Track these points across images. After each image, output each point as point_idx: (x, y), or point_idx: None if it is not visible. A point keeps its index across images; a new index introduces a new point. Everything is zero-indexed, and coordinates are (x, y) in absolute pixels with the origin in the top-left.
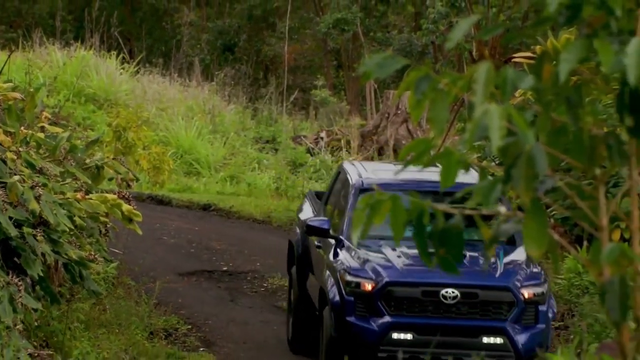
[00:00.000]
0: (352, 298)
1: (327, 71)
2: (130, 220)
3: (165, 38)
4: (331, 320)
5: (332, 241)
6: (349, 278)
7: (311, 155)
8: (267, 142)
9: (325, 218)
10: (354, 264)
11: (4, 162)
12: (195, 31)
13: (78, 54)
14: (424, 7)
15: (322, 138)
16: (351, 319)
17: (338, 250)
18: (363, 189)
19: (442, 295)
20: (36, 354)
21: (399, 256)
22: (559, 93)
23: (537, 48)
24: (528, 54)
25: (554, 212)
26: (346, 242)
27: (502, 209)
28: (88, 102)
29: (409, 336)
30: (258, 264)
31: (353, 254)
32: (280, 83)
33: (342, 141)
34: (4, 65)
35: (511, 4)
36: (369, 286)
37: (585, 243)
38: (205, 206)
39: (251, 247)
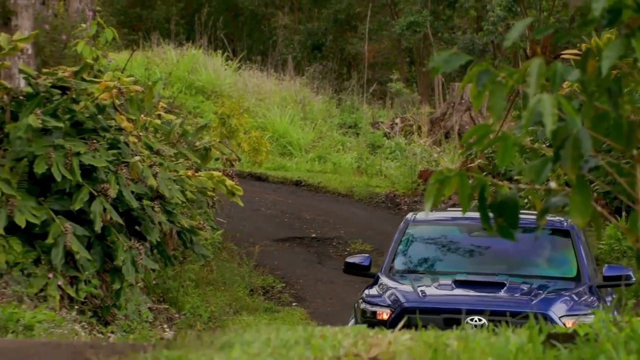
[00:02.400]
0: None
1: (401, 67)
2: (233, 194)
3: (263, 39)
4: None
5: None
6: (364, 307)
7: (387, 139)
8: (350, 127)
9: (367, 255)
10: (373, 292)
11: (127, 144)
12: (289, 33)
13: (189, 52)
14: (485, 11)
15: (396, 124)
16: None
17: (370, 286)
18: (413, 222)
19: (467, 323)
20: (154, 308)
21: (428, 285)
22: (601, 85)
23: (583, 46)
24: (575, 51)
25: (596, 187)
26: (382, 277)
27: (552, 184)
28: (198, 94)
29: None
30: (342, 231)
31: (380, 284)
32: (361, 77)
33: (414, 126)
34: (127, 63)
35: (560, 8)
36: (385, 315)
37: (624, 214)
38: (296, 182)
39: (336, 217)
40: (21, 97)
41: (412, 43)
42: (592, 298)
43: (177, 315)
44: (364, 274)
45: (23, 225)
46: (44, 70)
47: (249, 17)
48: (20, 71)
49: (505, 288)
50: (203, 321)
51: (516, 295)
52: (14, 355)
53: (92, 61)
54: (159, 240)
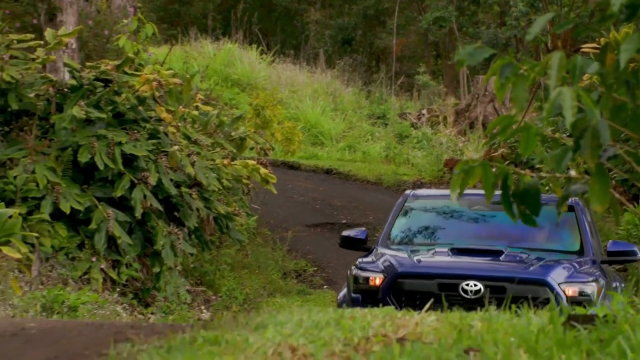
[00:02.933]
0: (359, 296)
1: (428, 60)
2: (267, 182)
3: (296, 34)
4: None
5: None
6: (355, 273)
7: (414, 129)
8: (379, 118)
9: (363, 229)
10: (367, 260)
11: (166, 134)
12: (320, 28)
13: (225, 47)
14: (508, 7)
15: (423, 114)
16: None
17: (365, 256)
18: (412, 196)
19: (462, 288)
20: (192, 290)
21: (424, 253)
22: (619, 77)
23: (602, 40)
24: (594, 45)
25: (614, 175)
26: (378, 248)
27: (572, 173)
28: (233, 86)
29: None
30: (371, 217)
31: (375, 253)
32: (389, 70)
33: (440, 117)
34: (166, 57)
35: (580, 3)
36: (377, 280)
37: None
38: (327, 170)
39: (365, 204)
40: (66, 90)
41: (438, 37)
42: (594, 269)
43: (213, 297)
44: (361, 247)
45: (68, 211)
46: (88, 63)
47: (282, 12)
48: (65, 65)
49: (503, 255)
50: (238, 303)
51: (514, 262)
52: (59, 334)
53: (133, 55)
54: (196, 225)
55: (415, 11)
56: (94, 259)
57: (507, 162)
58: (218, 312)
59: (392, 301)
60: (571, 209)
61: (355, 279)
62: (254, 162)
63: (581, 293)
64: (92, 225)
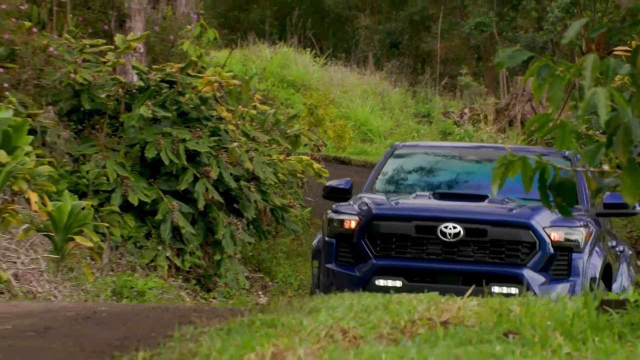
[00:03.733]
0: (333, 240)
1: (470, 62)
2: (320, 176)
3: (347, 38)
4: (312, 272)
5: None
6: (331, 216)
7: (457, 127)
8: (424, 116)
9: (348, 179)
10: (344, 204)
11: (227, 132)
12: (370, 32)
13: (281, 50)
14: (545, 13)
15: (465, 113)
16: (331, 265)
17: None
18: (400, 147)
19: (441, 231)
20: (250, 276)
21: (404, 197)
22: None
23: (633, 43)
24: (625, 48)
25: None
26: (359, 195)
27: (605, 167)
28: (289, 87)
29: (397, 283)
30: None
31: (355, 198)
32: (433, 71)
33: (481, 115)
34: (227, 60)
35: (612, 9)
36: (352, 223)
37: None
38: None
39: None
40: (134, 90)
41: (480, 41)
42: (585, 216)
43: (270, 283)
44: (345, 198)
45: (136, 203)
46: (154, 66)
47: (334, 18)
48: (134, 67)
49: (487, 200)
50: (293, 288)
51: (497, 206)
52: (128, 317)
53: (196, 58)
54: (254, 216)
55: (458, 17)
56: (159, 248)
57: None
58: (274, 297)
59: (367, 244)
60: (569, 163)
61: (330, 222)
62: (308, 158)
63: (567, 238)
64: (158, 216)
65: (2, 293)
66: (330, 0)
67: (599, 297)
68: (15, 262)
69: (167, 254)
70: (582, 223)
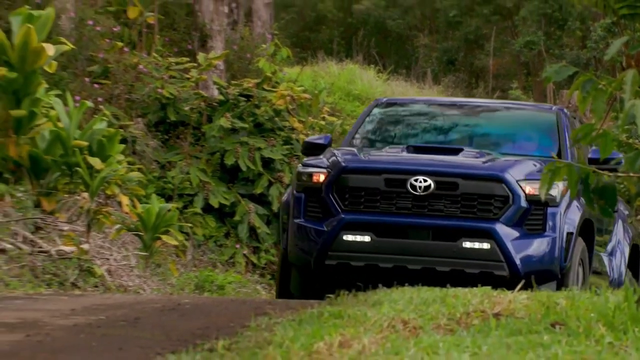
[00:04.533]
0: (302, 195)
1: (520, 77)
2: None
3: (407, 55)
4: (279, 227)
5: None
6: (300, 169)
7: None
8: None
9: (328, 135)
10: (314, 158)
11: (298, 141)
12: (428, 50)
13: (348, 67)
14: (589, 32)
15: None
16: (299, 220)
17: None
18: (382, 102)
19: (411, 184)
20: None
21: (375, 150)
22: None
23: None
24: None
25: None
26: (332, 149)
27: None
28: (354, 100)
29: (366, 238)
30: None
31: (327, 152)
32: (486, 86)
33: None
34: (298, 75)
35: None
36: (321, 177)
37: None
38: None
39: None
40: (215, 104)
41: (529, 58)
42: None
43: None
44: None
45: (216, 205)
46: (233, 82)
47: (396, 38)
48: (214, 83)
49: (461, 153)
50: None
51: (470, 159)
52: (209, 309)
53: (270, 74)
54: None
55: (509, 36)
56: (237, 246)
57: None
58: (341, 290)
59: (335, 199)
60: (553, 116)
61: (299, 176)
62: None
63: None
64: (237, 218)
65: (97, 287)
66: (392, 21)
67: (639, 292)
68: (108, 259)
69: (245, 252)
70: None
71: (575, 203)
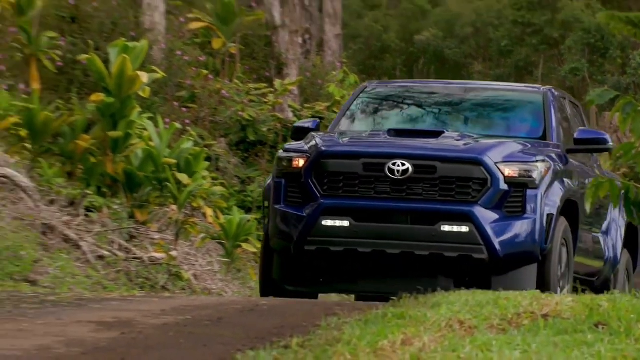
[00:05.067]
0: (282, 180)
1: None
2: None
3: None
4: (263, 213)
5: None
6: (280, 155)
7: None
8: None
9: (316, 119)
10: (295, 143)
11: None
12: (482, 76)
13: None
14: (628, 59)
15: None
16: (279, 206)
17: None
18: (370, 86)
19: (389, 168)
20: None
21: (355, 135)
22: None
23: None
24: None
25: None
26: (313, 134)
27: None
28: None
29: (345, 223)
30: None
31: (307, 137)
32: None
33: None
34: None
35: None
36: (300, 162)
37: None
38: None
39: None
40: (289, 125)
41: (574, 83)
42: (548, 151)
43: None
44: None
45: None
46: (306, 105)
47: (453, 65)
48: (289, 106)
49: (441, 136)
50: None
51: (448, 142)
52: (284, 310)
53: (339, 98)
54: None
55: (556, 63)
56: None
57: (629, 179)
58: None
59: (314, 184)
60: (540, 98)
61: (279, 161)
62: None
63: (522, 174)
64: None
65: (184, 289)
66: (450, 50)
67: None
68: (194, 265)
69: None
70: (539, 158)
71: (556, 184)
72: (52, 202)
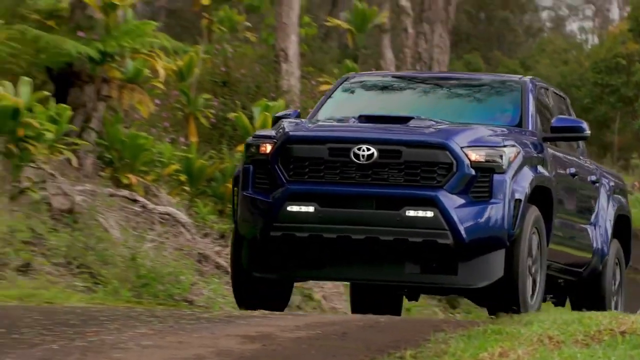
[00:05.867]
0: (250, 166)
1: (639, 149)
2: None
3: None
4: (233, 201)
5: None
6: (249, 141)
7: (631, 194)
8: None
9: (296, 110)
10: (265, 130)
11: None
12: None
13: None
14: None
15: (635, 185)
16: (247, 192)
17: None
18: (352, 77)
19: (354, 153)
20: None
21: (324, 121)
22: None
23: None
24: None
25: None
26: (283, 120)
27: None
28: None
29: (310, 209)
30: None
31: (277, 124)
32: (612, 156)
33: None
34: None
35: None
36: (268, 147)
37: None
38: None
39: None
40: None
41: None
42: (519, 136)
43: None
44: None
45: None
46: None
47: None
48: None
49: (410, 122)
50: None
51: (415, 127)
52: (399, 326)
53: None
54: None
55: (630, 118)
56: None
57: None
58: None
59: (280, 169)
60: (519, 87)
61: (247, 147)
62: None
63: (488, 159)
64: None
65: (315, 308)
66: None
67: None
68: (323, 287)
69: None
70: (507, 143)
71: (526, 170)
72: (206, 235)
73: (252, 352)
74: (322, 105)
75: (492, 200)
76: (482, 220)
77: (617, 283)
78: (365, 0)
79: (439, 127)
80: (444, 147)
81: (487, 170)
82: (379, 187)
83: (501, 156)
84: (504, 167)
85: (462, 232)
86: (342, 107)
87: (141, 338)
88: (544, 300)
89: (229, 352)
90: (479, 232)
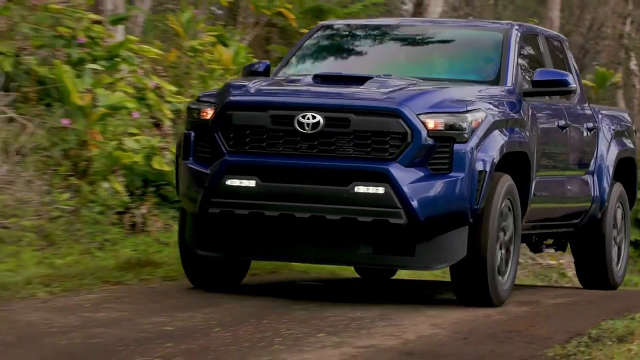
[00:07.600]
0: (192, 133)
1: None
2: None
3: None
4: (176, 171)
5: None
6: (191, 105)
7: None
8: None
9: (267, 61)
10: (213, 90)
11: None
12: None
13: None
14: None
15: None
16: (188, 162)
17: None
18: (326, 25)
19: (298, 122)
20: None
21: (284, 82)
22: None
23: None
24: None
25: None
26: (233, 79)
27: None
28: None
29: (251, 183)
30: None
31: (227, 83)
32: None
33: None
34: None
35: None
36: (208, 113)
37: None
38: None
39: None
40: None
41: None
42: (493, 97)
43: None
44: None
45: None
46: None
47: None
48: None
49: (367, 83)
50: None
51: (371, 90)
52: (625, 296)
53: None
54: None
55: None
56: None
57: None
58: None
59: (220, 138)
60: (501, 37)
61: (189, 112)
62: None
63: (448, 127)
64: None
65: (568, 283)
66: None
67: None
68: (571, 265)
69: None
70: (470, 107)
71: (495, 135)
72: None
73: (523, 313)
74: (289, 58)
75: (452, 174)
76: (440, 195)
77: (619, 227)
78: (605, 65)
79: (394, 90)
80: (396, 114)
81: (447, 140)
82: (325, 160)
83: (462, 123)
84: (466, 135)
85: (417, 209)
86: (306, 63)
87: None
88: (540, 250)
89: (507, 312)
90: (437, 209)
